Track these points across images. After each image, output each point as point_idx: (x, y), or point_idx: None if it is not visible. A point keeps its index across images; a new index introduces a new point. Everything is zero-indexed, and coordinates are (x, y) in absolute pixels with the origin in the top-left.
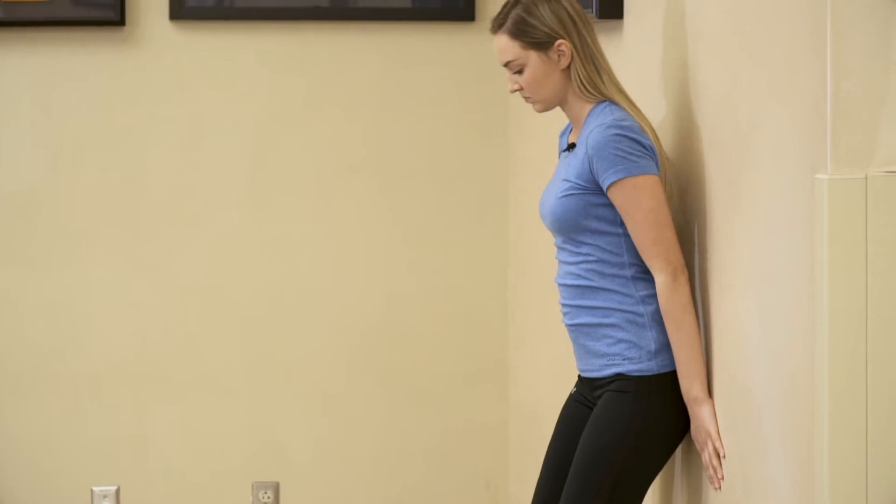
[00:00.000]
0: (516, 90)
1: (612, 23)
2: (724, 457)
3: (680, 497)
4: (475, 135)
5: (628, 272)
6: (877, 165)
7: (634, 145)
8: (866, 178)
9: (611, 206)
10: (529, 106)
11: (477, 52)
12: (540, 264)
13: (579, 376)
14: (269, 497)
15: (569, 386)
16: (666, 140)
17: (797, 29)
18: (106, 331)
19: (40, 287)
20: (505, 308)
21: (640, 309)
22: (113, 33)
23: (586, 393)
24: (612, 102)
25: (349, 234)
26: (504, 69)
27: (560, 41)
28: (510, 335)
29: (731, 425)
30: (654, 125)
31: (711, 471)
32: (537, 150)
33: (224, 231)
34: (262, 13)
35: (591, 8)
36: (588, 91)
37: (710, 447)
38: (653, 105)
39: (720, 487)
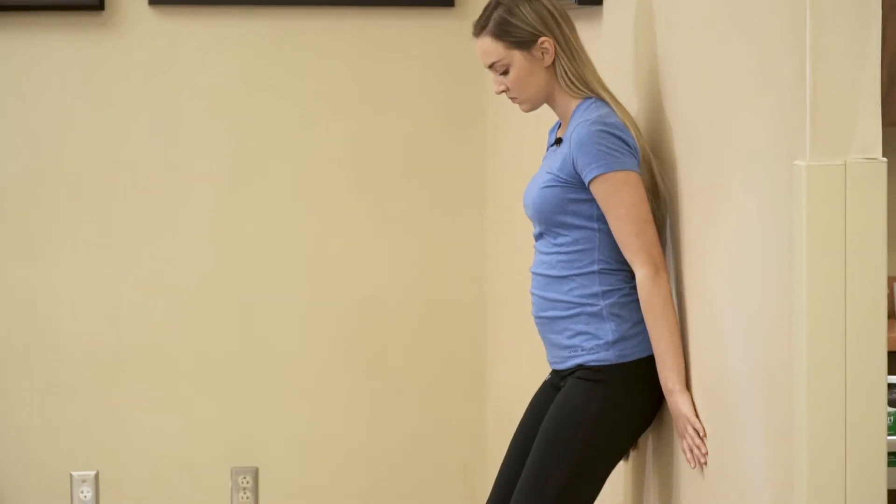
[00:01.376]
0: (502, 91)
1: (591, 9)
2: (705, 435)
3: (653, 483)
4: (453, 124)
5: (595, 266)
6: (855, 152)
7: (618, 142)
8: (845, 164)
9: (589, 201)
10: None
11: (455, 38)
12: (517, 257)
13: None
14: (248, 482)
15: (545, 375)
16: (643, 128)
17: (777, 17)
18: (84, 318)
19: (17, 274)
20: (483, 299)
21: (599, 302)
22: (92, 18)
23: (556, 382)
24: (598, 99)
25: (326, 225)
26: (488, 70)
27: (543, 39)
28: (488, 325)
29: (709, 415)
30: (632, 113)
31: (694, 452)
32: (515, 141)
33: (201, 219)
34: None
35: None
36: (574, 86)
37: (690, 430)
38: (631, 92)
39: (706, 463)
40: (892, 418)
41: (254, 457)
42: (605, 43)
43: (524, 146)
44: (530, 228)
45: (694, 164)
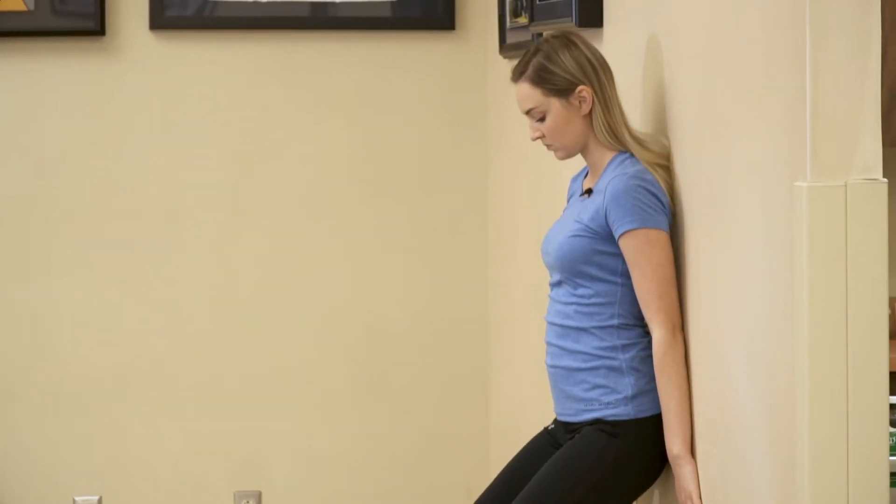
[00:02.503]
0: (538, 137)
1: (591, 31)
2: None
3: None
4: (455, 143)
5: (615, 321)
6: (856, 173)
7: (653, 199)
8: (846, 185)
9: (615, 255)
10: (508, 116)
11: (456, 60)
12: (520, 272)
13: (556, 419)
14: None
15: (549, 394)
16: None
17: (776, 38)
18: (86, 339)
19: (20, 296)
20: (485, 315)
21: (619, 356)
22: (93, 43)
23: (560, 436)
24: (631, 155)
25: (330, 244)
26: (525, 116)
27: (581, 87)
28: (490, 342)
29: (712, 435)
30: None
31: None
32: (515, 159)
33: (204, 241)
34: (242, 22)
35: (571, 16)
36: (609, 138)
37: None
38: (632, 114)
39: None
40: (894, 439)
41: (257, 480)
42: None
43: (523, 163)
44: (532, 244)
45: (695, 184)
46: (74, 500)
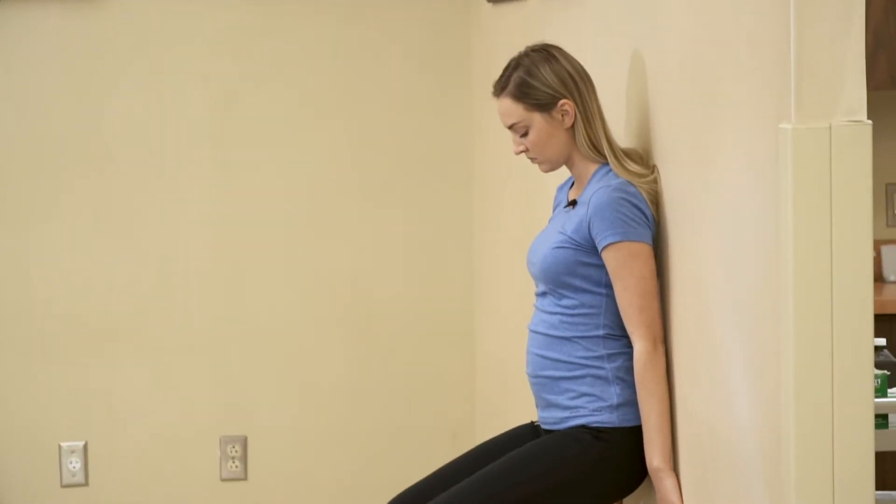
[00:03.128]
0: (521, 151)
1: None
2: None
3: None
4: (440, 92)
5: (601, 331)
6: (841, 115)
7: (636, 212)
8: (830, 127)
9: (598, 266)
10: (496, 69)
11: (442, 7)
12: (506, 218)
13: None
14: (237, 451)
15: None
16: (631, 99)
17: None
18: (73, 289)
19: (5, 245)
20: (471, 261)
21: (605, 364)
22: None
23: (544, 435)
24: (612, 170)
25: (316, 192)
26: (509, 131)
27: (563, 101)
28: (476, 288)
29: (695, 373)
30: (620, 85)
31: None
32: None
33: (190, 188)
34: None
35: None
36: (590, 151)
37: None
38: (618, 65)
39: None
40: (878, 380)
41: (242, 426)
42: (590, 16)
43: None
44: (516, 190)
45: (680, 128)
46: (60, 446)
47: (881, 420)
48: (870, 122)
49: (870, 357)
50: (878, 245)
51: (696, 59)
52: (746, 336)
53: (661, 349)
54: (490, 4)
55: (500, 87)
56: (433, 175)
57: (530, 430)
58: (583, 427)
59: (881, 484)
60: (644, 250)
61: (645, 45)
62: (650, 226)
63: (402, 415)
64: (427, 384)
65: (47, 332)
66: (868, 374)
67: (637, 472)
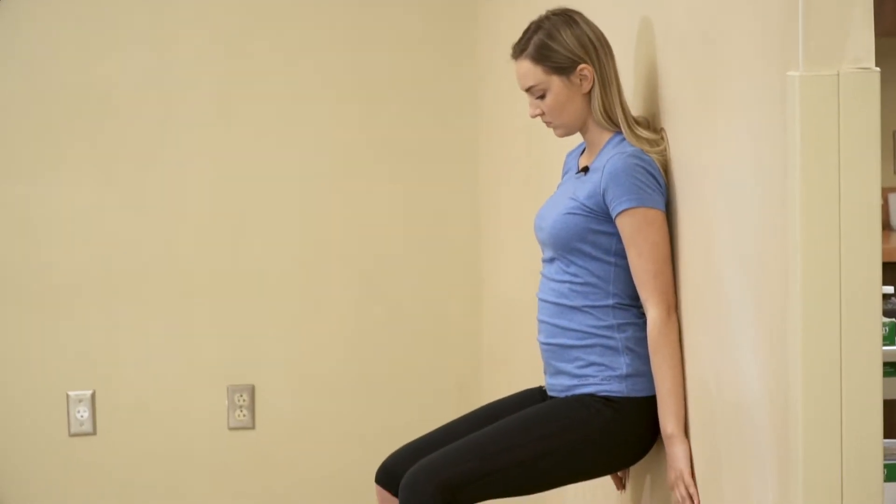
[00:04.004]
0: (538, 115)
1: None
2: (697, 498)
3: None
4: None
5: (610, 301)
6: (848, 62)
7: (650, 179)
8: (838, 74)
9: (609, 234)
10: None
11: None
12: (511, 169)
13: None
14: (244, 400)
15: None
16: (638, 56)
17: None
18: (79, 238)
19: (11, 196)
20: (476, 215)
21: (615, 334)
22: None
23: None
24: (624, 139)
25: (323, 145)
26: (525, 94)
27: (583, 65)
28: (482, 239)
29: (704, 330)
30: (624, 37)
31: None
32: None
33: (196, 142)
34: None
35: None
36: (603, 118)
37: (683, 489)
38: (623, 16)
39: None
40: (886, 329)
41: (250, 375)
42: None
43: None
44: (519, 158)
45: (686, 77)
46: (68, 395)
47: (889, 368)
48: (878, 69)
49: (878, 305)
50: (885, 193)
51: (701, 10)
52: (754, 289)
53: (674, 316)
54: None
55: (519, 49)
56: (440, 130)
57: (539, 395)
58: (591, 395)
59: (889, 432)
60: (658, 217)
61: (652, 3)
62: (663, 193)
63: (408, 365)
64: (433, 335)
65: (54, 284)
66: (876, 322)
67: (644, 442)
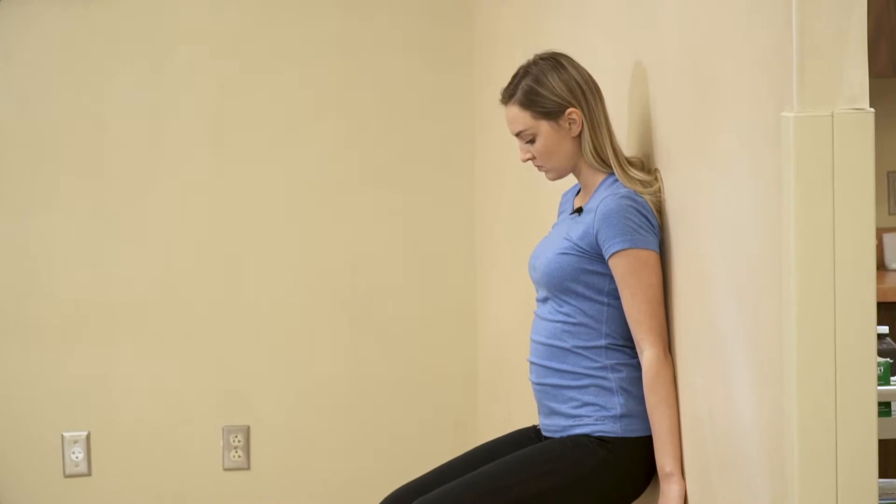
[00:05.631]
0: (528, 159)
1: None
2: None
3: None
4: (441, 80)
5: (603, 341)
6: (843, 103)
7: (643, 220)
8: (833, 115)
9: (602, 274)
10: (498, 56)
11: (443, 10)
12: (507, 205)
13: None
14: (239, 441)
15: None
16: (632, 95)
17: None
18: (73, 275)
19: (6, 230)
20: (472, 250)
21: (609, 375)
22: None
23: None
24: (617, 180)
25: (316, 181)
26: (516, 139)
27: (571, 109)
28: (478, 276)
29: (698, 367)
30: (617, 78)
31: None
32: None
33: (189, 175)
34: None
35: None
36: (595, 160)
37: None
38: (614, 52)
39: None
40: (881, 368)
41: (245, 416)
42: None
43: None
44: (521, 193)
45: (678, 116)
46: (63, 436)
47: (884, 408)
48: (872, 109)
49: (872, 345)
50: (880, 233)
51: (694, 49)
52: (749, 328)
53: (669, 356)
54: None
55: (508, 95)
56: (434, 163)
57: (533, 434)
58: (586, 436)
59: (884, 472)
60: (652, 258)
61: (643, 38)
62: (657, 234)
63: (404, 404)
64: (429, 373)
65: (49, 322)
66: (871, 362)
67: (638, 483)
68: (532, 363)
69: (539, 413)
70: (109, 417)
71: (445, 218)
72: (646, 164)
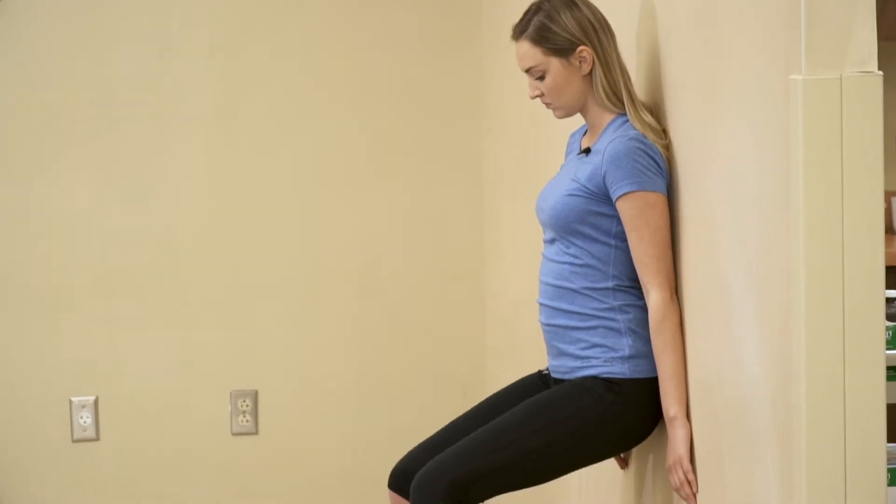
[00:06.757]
0: (537, 96)
1: None
2: (697, 491)
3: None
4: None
5: (610, 283)
6: (851, 66)
7: (652, 162)
8: (841, 78)
9: (609, 216)
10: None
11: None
12: (514, 171)
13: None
14: (247, 405)
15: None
16: (640, 53)
17: None
18: (81, 242)
19: (11, 199)
20: (480, 214)
21: (617, 316)
22: None
23: (552, 384)
24: (628, 121)
25: (323, 147)
26: (525, 75)
27: (582, 47)
28: (486, 242)
29: (706, 323)
30: (629, 38)
31: (684, 489)
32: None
33: (197, 141)
34: None
35: None
36: (608, 99)
37: (680, 474)
38: (624, 18)
39: (696, 498)
40: (890, 332)
41: (253, 380)
42: None
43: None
44: (527, 156)
45: (688, 79)
46: (71, 401)
47: (892, 372)
48: (880, 72)
49: (881, 309)
50: (888, 196)
51: (705, 10)
52: (757, 289)
53: (675, 299)
54: None
55: (519, 31)
56: (442, 130)
57: (538, 380)
58: (594, 377)
59: (892, 436)
60: (660, 200)
61: (651, 4)
62: (665, 177)
63: (412, 368)
64: (437, 337)
65: (57, 288)
66: (879, 326)
67: (647, 423)
68: (541, 304)
69: (548, 354)
70: (117, 382)
71: (452, 186)
72: (656, 116)
